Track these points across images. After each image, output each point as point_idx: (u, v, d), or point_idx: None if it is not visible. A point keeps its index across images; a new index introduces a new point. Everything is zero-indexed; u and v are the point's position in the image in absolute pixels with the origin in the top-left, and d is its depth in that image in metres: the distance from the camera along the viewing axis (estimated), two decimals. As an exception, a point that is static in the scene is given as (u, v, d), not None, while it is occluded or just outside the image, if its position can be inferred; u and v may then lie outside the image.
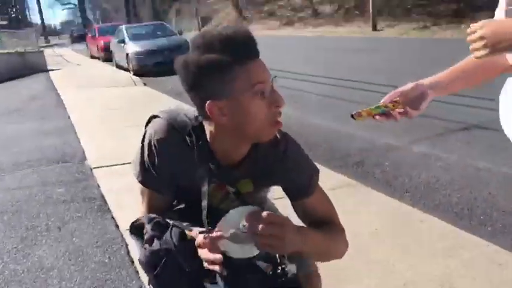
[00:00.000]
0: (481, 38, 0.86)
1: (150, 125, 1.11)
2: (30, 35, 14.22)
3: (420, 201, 2.80)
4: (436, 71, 1.11)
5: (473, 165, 3.29)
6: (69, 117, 6.08)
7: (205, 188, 1.05)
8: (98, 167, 3.82)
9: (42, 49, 14.13)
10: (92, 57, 18.43)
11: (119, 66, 12.89)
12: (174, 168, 1.08)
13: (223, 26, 1.00)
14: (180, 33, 12.60)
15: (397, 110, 1.02)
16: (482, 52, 0.86)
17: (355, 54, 10.79)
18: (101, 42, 16.21)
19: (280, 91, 0.96)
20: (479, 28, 0.86)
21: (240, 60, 0.92)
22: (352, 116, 1.03)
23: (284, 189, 1.15)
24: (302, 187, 1.10)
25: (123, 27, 13.20)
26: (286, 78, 6.75)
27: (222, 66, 0.91)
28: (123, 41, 12.07)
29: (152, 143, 1.07)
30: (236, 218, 0.89)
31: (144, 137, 1.11)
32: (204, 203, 1.04)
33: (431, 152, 3.69)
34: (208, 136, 1.04)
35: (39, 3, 47.68)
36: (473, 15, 14.22)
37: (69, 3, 58.99)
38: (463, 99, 4.14)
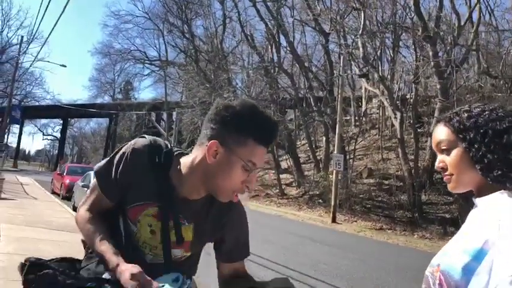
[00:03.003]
0: None
1: (133, 140, 1.26)
2: (-2, 160, 14.17)
3: None
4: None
5: None
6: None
7: (147, 211, 1.18)
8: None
9: (3, 177, 13.89)
10: (53, 192, 18.13)
11: (75, 209, 12.56)
12: (134, 178, 1.19)
13: (272, 114, 1.18)
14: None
15: None
16: None
17: (312, 244, 10.91)
18: (67, 181, 16.17)
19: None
20: None
21: (260, 141, 1.14)
22: None
23: (223, 249, 1.30)
24: (243, 246, 1.31)
25: (92, 173, 13.26)
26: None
27: (249, 132, 1.13)
28: (87, 186, 12.03)
29: (128, 149, 1.22)
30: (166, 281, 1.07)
31: (123, 145, 1.27)
32: (135, 229, 1.20)
33: None
34: (182, 165, 1.20)
35: (21, 129, 48.80)
36: (426, 227, 15.11)
37: (51, 135, 60.57)
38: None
